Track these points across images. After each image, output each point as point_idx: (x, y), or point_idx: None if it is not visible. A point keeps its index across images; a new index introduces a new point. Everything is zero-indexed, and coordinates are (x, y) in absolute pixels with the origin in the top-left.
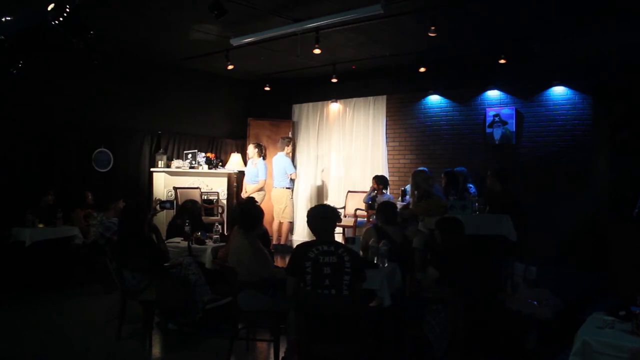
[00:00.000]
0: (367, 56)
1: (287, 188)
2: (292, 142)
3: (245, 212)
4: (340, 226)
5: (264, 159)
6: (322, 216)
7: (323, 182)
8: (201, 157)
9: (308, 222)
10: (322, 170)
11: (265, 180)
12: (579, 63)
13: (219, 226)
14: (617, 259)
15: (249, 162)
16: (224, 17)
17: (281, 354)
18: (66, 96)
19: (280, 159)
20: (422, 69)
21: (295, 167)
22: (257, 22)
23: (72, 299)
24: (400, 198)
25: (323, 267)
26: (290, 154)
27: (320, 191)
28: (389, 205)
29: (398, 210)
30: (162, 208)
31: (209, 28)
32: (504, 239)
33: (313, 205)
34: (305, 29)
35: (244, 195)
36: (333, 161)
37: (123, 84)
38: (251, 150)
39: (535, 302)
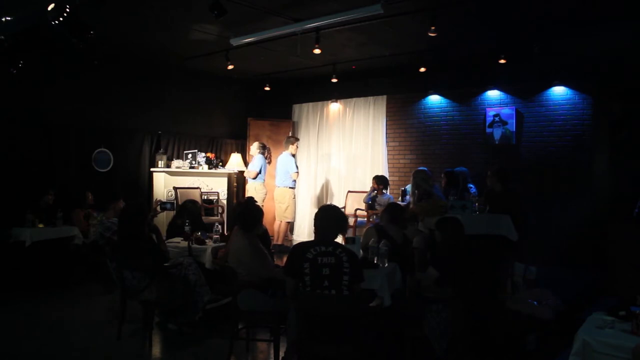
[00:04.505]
0: (367, 56)
1: (290, 188)
2: (297, 141)
3: (245, 212)
4: None
5: (266, 159)
6: (333, 217)
7: (323, 182)
8: (201, 157)
9: (317, 218)
10: (322, 170)
11: (256, 172)
12: (579, 63)
13: (219, 226)
14: (617, 259)
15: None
16: (224, 17)
17: (281, 354)
18: (66, 96)
19: (284, 158)
20: (422, 69)
21: (297, 166)
22: (257, 22)
23: (72, 299)
24: (400, 198)
25: (322, 268)
26: (295, 154)
27: (321, 191)
28: (396, 206)
29: None
30: (163, 209)
31: (209, 28)
32: (504, 239)
33: (322, 205)
34: (305, 29)
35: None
36: (333, 161)
37: (123, 84)
38: (254, 146)
39: (535, 302)
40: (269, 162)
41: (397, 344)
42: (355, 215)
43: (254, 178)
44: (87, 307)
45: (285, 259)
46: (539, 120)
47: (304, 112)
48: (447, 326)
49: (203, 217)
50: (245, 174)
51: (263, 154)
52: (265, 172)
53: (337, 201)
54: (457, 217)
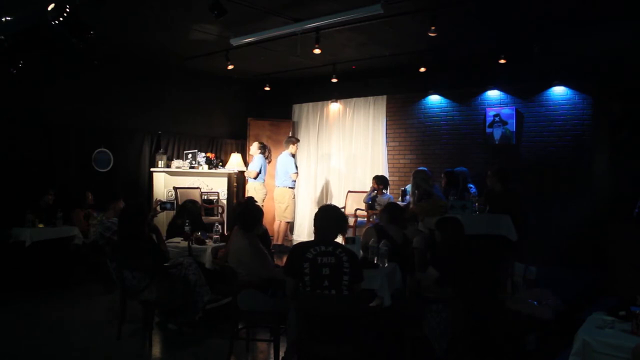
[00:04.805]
0: (367, 56)
1: (289, 188)
2: (298, 142)
3: (245, 212)
4: None
5: (265, 158)
6: (333, 217)
7: (323, 182)
8: (201, 157)
9: (316, 218)
10: (322, 170)
11: (257, 172)
12: (579, 63)
13: (219, 226)
14: (617, 259)
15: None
16: (224, 17)
17: (281, 354)
18: (66, 96)
19: (283, 158)
20: (422, 69)
21: (296, 166)
22: (257, 22)
23: (72, 299)
24: (400, 198)
25: (322, 268)
26: (295, 153)
27: (321, 191)
28: (395, 205)
29: None
30: (163, 209)
31: (209, 28)
32: (504, 239)
33: (322, 205)
34: (305, 29)
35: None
36: (333, 161)
37: (123, 84)
38: (254, 146)
39: (535, 302)
40: (269, 162)
41: (397, 344)
42: (355, 215)
43: (255, 178)
44: (87, 307)
45: (285, 259)
46: (539, 120)
47: (304, 112)
48: (447, 326)
49: (203, 217)
50: (245, 174)
51: (263, 153)
52: (265, 172)
53: (337, 201)
54: (457, 217)
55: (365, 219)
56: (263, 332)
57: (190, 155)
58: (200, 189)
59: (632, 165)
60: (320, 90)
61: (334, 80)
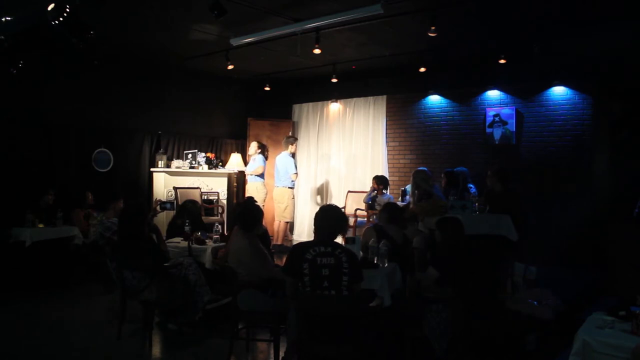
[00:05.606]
0: (367, 56)
1: (289, 188)
2: (297, 141)
3: (245, 212)
4: None
5: (264, 157)
6: (333, 217)
7: (323, 182)
8: (201, 157)
9: (317, 218)
10: (322, 170)
11: (262, 166)
12: (579, 63)
13: (219, 226)
14: (617, 259)
15: (250, 160)
16: (224, 17)
17: (281, 354)
18: (66, 96)
19: (283, 158)
20: (422, 69)
21: (296, 167)
22: (257, 22)
23: (72, 299)
24: (400, 198)
25: (321, 269)
26: (295, 152)
27: (321, 191)
28: (394, 205)
29: None
30: (162, 209)
31: (209, 28)
32: (504, 239)
33: (322, 205)
34: (305, 29)
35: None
36: (333, 161)
37: (123, 84)
38: (253, 146)
39: (535, 302)
40: (266, 159)
41: (397, 344)
42: (355, 215)
43: (259, 175)
44: (87, 307)
45: (285, 259)
46: (539, 120)
47: (304, 112)
48: (447, 326)
49: (203, 217)
50: (246, 172)
51: (263, 153)
52: (265, 172)
53: (337, 201)
54: (457, 217)
55: (365, 219)
56: (263, 332)
57: (190, 155)
58: (200, 189)
59: (632, 165)
60: (320, 90)
61: (334, 80)
